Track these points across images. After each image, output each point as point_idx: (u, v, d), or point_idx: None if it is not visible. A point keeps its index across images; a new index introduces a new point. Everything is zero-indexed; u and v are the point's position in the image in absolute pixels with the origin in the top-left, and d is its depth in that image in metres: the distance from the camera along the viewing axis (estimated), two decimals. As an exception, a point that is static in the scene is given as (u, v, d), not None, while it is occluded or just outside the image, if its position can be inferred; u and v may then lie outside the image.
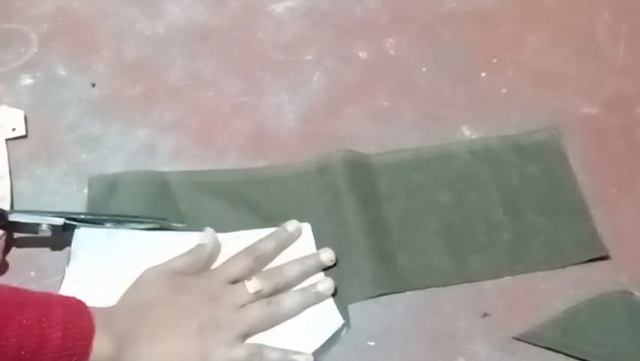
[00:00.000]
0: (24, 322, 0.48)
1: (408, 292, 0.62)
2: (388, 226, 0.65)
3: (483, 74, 0.77)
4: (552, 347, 0.59)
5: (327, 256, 0.62)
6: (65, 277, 0.61)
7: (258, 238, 0.63)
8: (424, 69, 0.77)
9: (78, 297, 0.54)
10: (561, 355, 0.59)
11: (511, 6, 0.82)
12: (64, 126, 0.73)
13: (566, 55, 0.78)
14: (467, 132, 0.72)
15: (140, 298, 0.56)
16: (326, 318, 0.60)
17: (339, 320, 0.60)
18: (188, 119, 0.73)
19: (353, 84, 0.76)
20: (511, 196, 0.67)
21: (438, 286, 0.62)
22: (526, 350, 0.59)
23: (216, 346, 0.55)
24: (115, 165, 0.70)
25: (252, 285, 0.58)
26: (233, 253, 0.61)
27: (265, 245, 0.62)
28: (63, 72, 0.77)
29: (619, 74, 0.76)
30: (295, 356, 0.57)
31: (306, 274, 0.61)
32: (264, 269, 0.61)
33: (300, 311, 0.59)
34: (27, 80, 0.76)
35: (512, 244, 0.64)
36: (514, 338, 0.60)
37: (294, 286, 0.61)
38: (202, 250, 0.61)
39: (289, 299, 0.59)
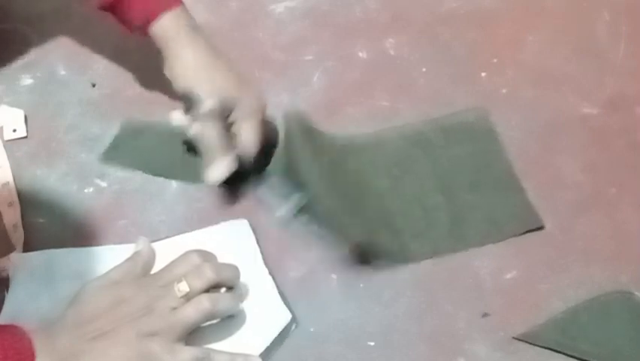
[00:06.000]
0: None
1: (408, 292, 0.63)
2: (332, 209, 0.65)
3: (483, 74, 0.77)
4: (552, 347, 0.59)
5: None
6: (5, 303, 0.61)
7: (192, 242, 0.62)
8: (424, 69, 0.77)
9: (20, 320, 0.53)
10: (561, 355, 0.59)
11: (511, 6, 0.82)
12: (64, 126, 0.73)
13: (566, 55, 0.78)
14: (467, 132, 0.72)
15: (79, 314, 0.56)
16: (273, 315, 0.60)
17: (287, 315, 0.60)
18: (188, 119, 0.73)
19: (353, 84, 0.76)
20: (444, 177, 0.68)
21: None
22: (526, 350, 0.59)
23: (159, 352, 0.54)
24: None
25: (180, 288, 0.56)
26: (170, 259, 0.60)
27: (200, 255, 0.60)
28: (63, 72, 0.77)
29: (619, 74, 0.76)
30: (242, 359, 0.57)
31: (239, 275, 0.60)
32: (198, 268, 0.59)
33: (236, 307, 0.59)
34: (27, 80, 0.76)
35: (451, 224, 0.66)
36: (514, 338, 0.60)
37: (228, 283, 0.60)
38: (137, 257, 0.61)
39: (223, 298, 0.58)
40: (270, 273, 0.62)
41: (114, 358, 0.53)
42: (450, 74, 0.77)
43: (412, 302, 0.62)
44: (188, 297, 0.56)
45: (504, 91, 0.75)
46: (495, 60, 0.78)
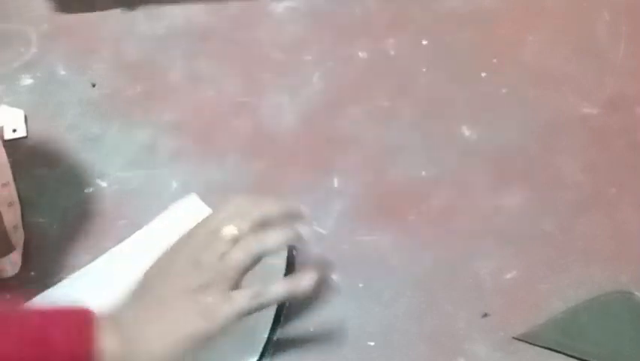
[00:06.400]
0: (25, 334, 0.48)
1: (408, 292, 0.63)
2: None
3: (483, 74, 0.77)
4: (552, 347, 0.59)
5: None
6: None
7: (155, 231, 0.62)
8: (424, 69, 0.77)
9: None
10: (561, 355, 0.59)
11: (511, 6, 0.82)
12: (64, 126, 0.73)
13: (566, 55, 0.78)
14: (467, 132, 0.72)
15: (136, 293, 0.55)
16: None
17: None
18: (188, 119, 0.73)
19: (353, 84, 0.76)
20: None
21: None
22: (526, 350, 0.59)
23: (216, 304, 0.53)
24: (115, 165, 0.70)
25: (228, 231, 0.55)
26: (139, 255, 0.59)
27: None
28: (63, 72, 0.77)
29: (619, 74, 0.76)
30: (299, 279, 0.56)
31: (286, 215, 0.59)
32: (243, 209, 0.58)
33: (282, 247, 0.58)
34: (27, 80, 0.76)
35: None
36: (514, 338, 0.60)
37: (274, 223, 0.58)
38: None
39: (270, 237, 0.57)
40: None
41: (172, 321, 0.52)
42: (450, 74, 0.77)
43: (412, 302, 0.62)
44: (235, 240, 0.55)
45: (504, 91, 0.75)
46: (495, 60, 0.77)
